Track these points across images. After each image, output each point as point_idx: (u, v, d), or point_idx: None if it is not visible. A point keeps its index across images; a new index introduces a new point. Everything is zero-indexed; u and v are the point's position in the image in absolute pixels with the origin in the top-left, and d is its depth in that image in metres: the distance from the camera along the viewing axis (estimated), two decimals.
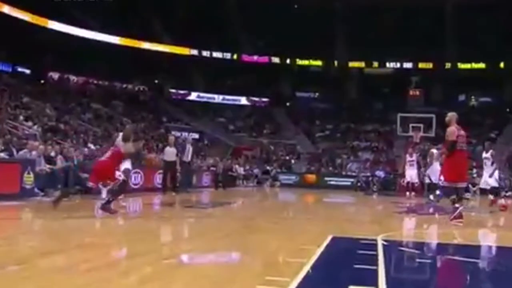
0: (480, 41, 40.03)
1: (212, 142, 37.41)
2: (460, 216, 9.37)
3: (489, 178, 14.79)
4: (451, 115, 9.78)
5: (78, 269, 4.63)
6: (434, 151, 16.70)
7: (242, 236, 7.52)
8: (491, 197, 14.42)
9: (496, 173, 14.74)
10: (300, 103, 45.38)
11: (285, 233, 7.80)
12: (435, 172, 16.08)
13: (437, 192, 15.54)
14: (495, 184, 14.78)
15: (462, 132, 9.60)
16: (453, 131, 9.54)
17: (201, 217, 10.40)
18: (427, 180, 17.22)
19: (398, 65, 44.20)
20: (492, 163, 14.57)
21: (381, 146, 38.06)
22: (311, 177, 32.14)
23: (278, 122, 43.00)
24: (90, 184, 9.27)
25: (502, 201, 14.54)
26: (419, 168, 19.82)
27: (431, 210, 13.51)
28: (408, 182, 19.39)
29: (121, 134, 9.59)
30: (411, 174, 19.19)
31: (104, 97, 36.76)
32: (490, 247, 6.97)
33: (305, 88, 46.28)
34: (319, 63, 45.11)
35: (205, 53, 43.32)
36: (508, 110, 41.68)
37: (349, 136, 40.43)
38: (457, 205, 9.41)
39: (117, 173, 9.21)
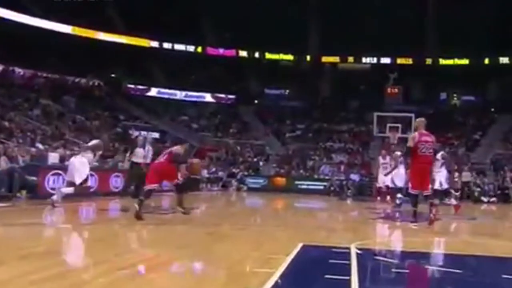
0: (463, 35, 40.44)
1: (173, 142, 37.16)
2: (431, 221, 10.28)
3: (396, 179, 16.36)
4: (419, 121, 10.80)
5: (20, 283, 4.53)
6: (399, 153, 17.13)
7: (205, 245, 7.51)
8: (453, 201, 15.45)
9: (445, 174, 15.59)
10: (269, 100, 45.35)
11: (251, 241, 7.82)
12: (399, 176, 16.72)
13: (398, 195, 16.55)
14: (446, 186, 15.81)
15: (428, 138, 10.44)
16: (413, 137, 10.49)
17: (161, 223, 10.35)
18: (390, 184, 17.48)
19: (375, 60, 44.55)
20: (442, 165, 15.37)
21: (356, 147, 38.36)
22: (281, 181, 32.20)
23: (245, 121, 42.96)
24: (152, 186, 10.21)
25: (453, 201, 15.68)
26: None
27: (398, 215, 13.84)
28: (380, 187, 19.28)
29: None
30: (383, 178, 18.75)
31: (54, 92, 36.15)
32: (469, 256, 7.09)
33: (275, 85, 46.29)
34: (290, 57, 45.19)
35: (167, 45, 43.08)
36: (492, 109, 42.26)
37: (322, 136, 40.61)
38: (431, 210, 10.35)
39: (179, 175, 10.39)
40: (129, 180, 16.90)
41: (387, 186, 18.13)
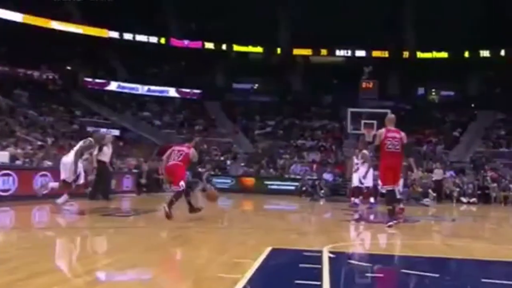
0: (442, 27, 40.93)
1: (135, 140, 36.95)
2: (396, 219, 10.74)
3: (363, 179, 16.97)
4: (388, 117, 11.30)
5: None
6: (366, 152, 17.49)
7: (169, 249, 7.50)
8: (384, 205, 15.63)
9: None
10: (238, 95, 45.46)
11: (218, 245, 7.83)
12: (367, 175, 17.23)
13: (371, 200, 17.29)
14: (370, 184, 17.04)
15: (395, 134, 10.92)
16: (379, 133, 11.06)
17: (122, 227, 10.27)
18: (357, 183, 17.80)
19: (350, 53, 45.04)
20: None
21: (330, 145, 38.58)
22: (249, 181, 32.22)
23: (212, 118, 43.02)
24: (179, 186, 10.89)
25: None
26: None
27: (373, 217, 14.12)
28: (357, 187, 19.34)
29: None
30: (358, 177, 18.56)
31: (5, 86, 35.59)
32: (447, 259, 7.19)
33: (244, 79, 46.46)
34: (259, 49, 45.36)
35: (127, 36, 42.83)
36: (473, 105, 42.79)
37: (293, 133, 40.78)
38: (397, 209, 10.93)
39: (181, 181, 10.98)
40: (97, 180, 16.85)
41: (366, 187, 18.24)
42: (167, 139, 38.07)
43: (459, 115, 41.98)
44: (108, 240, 8.66)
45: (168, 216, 10.61)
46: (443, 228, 12.56)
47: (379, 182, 11.26)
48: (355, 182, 18.03)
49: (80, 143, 12.84)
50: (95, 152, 15.94)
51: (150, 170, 25.47)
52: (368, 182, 17.44)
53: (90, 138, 13.20)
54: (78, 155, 12.45)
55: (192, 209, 11.52)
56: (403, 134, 11.04)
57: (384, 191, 11.22)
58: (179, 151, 11.25)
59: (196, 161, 11.54)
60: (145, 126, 39.99)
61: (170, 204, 10.80)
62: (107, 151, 17.09)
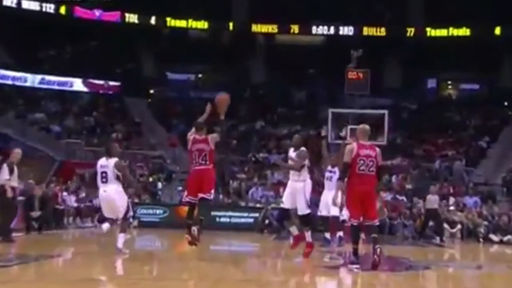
0: None
1: (24, 154, 36.36)
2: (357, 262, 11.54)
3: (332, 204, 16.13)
4: (361, 128, 12.22)
5: None
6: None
7: None
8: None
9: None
10: (173, 89, 45.78)
11: None
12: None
13: (339, 234, 17.63)
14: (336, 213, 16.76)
15: (369, 152, 11.68)
16: (350, 149, 11.76)
17: (2, 282, 10.14)
18: (323, 212, 18.34)
19: (332, 30, 45.14)
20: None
21: None
22: None
23: (136, 121, 42.94)
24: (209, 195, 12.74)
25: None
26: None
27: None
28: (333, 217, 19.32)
29: None
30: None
31: None
32: None
33: (182, 67, 46.80)
34: (203, 25, 45.61)
35: (8, 2, 42.24)
36: (506, 104, 43.20)
37: (252, 144, 40.79)
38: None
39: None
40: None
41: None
42: (70, 153, 38.10)
43: (486, 118, 42.02)
44: None
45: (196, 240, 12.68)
46: (464, 280, 12.62)
47: (344, 212, 12.24)
48: (332, 211, 17.79)
49: None
50: (5, 175, 16.38)
51: (46, 197, 25.18)
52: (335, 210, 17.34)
53: None
54: None
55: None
56: (378, 151, 11.72)
57: (349, 223, 12.11)
58: (199, 150, 12.85)
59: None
60: (37, 134, 39.52)
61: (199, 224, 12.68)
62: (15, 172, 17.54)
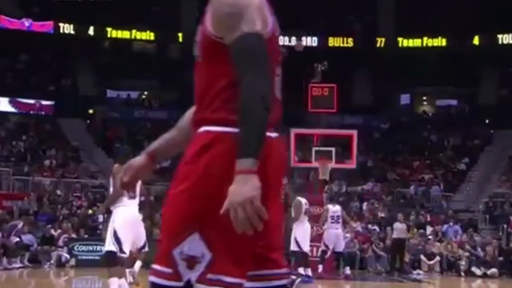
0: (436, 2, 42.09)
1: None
2: None
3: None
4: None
5: None
6: (331, 206, 20.28)
7: None
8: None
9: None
10: (115, 109, 45.83)
11: None
12: (331, 237, 20.17)
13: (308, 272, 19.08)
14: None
15: None
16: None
17: None
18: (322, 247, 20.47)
19: (293, 41, 43.93)
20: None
21: None
22: None
23: (71, 145, 42.15)
24: None
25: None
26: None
27: None
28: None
29: None
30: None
31: None
32: None
33: (125, 83, 46.80)
34: (149, 36, 45.58)
35: None
36: (487, 121, 43.23)
37: None
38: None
39: None
40: None
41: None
42: None
43: (466, 137, 42.19)
44: None
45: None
46: None
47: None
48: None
49: None
50: None
51: None
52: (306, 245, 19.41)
53: None
54: None
55: None
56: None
57: None
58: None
59: None
60: None
61: None
62: None
